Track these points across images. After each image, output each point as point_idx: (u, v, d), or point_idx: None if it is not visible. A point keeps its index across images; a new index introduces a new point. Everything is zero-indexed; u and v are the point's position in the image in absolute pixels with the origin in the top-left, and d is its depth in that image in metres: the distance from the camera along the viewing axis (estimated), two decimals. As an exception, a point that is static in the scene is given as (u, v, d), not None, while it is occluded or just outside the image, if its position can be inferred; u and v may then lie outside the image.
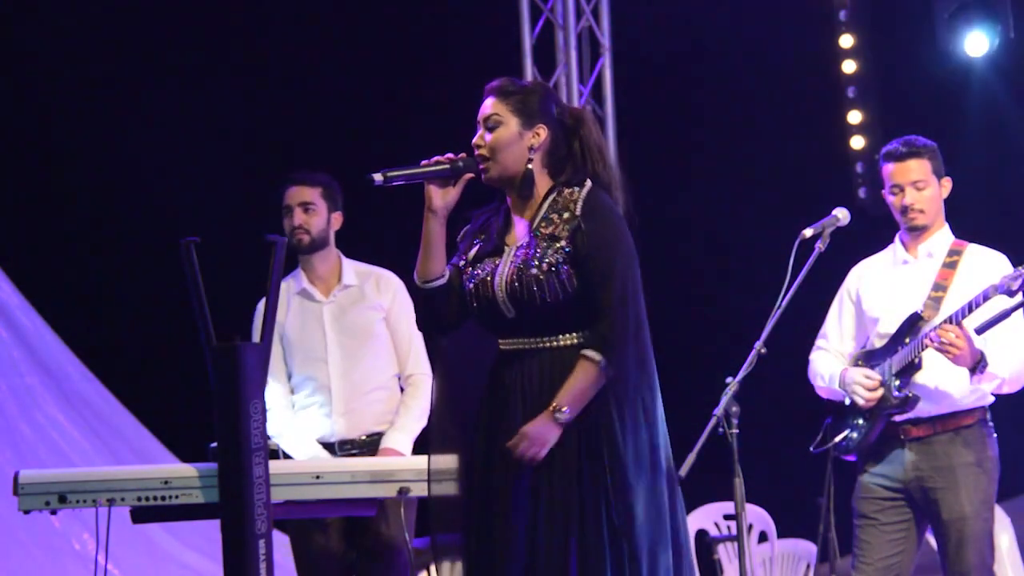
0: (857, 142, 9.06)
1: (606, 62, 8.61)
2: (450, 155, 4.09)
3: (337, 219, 5.64)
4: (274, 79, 8.85)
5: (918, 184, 5.17)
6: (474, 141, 4.11)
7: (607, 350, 3.97)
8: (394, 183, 4.00)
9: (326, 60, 8.86)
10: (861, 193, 8.96)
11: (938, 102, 8.62)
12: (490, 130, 4.10)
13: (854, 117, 9.09)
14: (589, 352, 3.99)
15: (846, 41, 9.07)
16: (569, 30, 8.50)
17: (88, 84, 8.63)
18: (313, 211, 5.56)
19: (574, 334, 4.04)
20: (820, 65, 9.07)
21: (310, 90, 8.88)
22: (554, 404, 3.96)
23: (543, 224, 4.08)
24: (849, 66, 9.09)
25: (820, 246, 4.98)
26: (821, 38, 9.06)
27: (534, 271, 4.02)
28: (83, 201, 8.59)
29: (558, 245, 4.03)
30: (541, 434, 3.97)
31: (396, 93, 8.96)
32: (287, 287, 5.63)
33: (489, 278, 4.08)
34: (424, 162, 4.07)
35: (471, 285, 4.11)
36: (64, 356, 8.19)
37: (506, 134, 4.08)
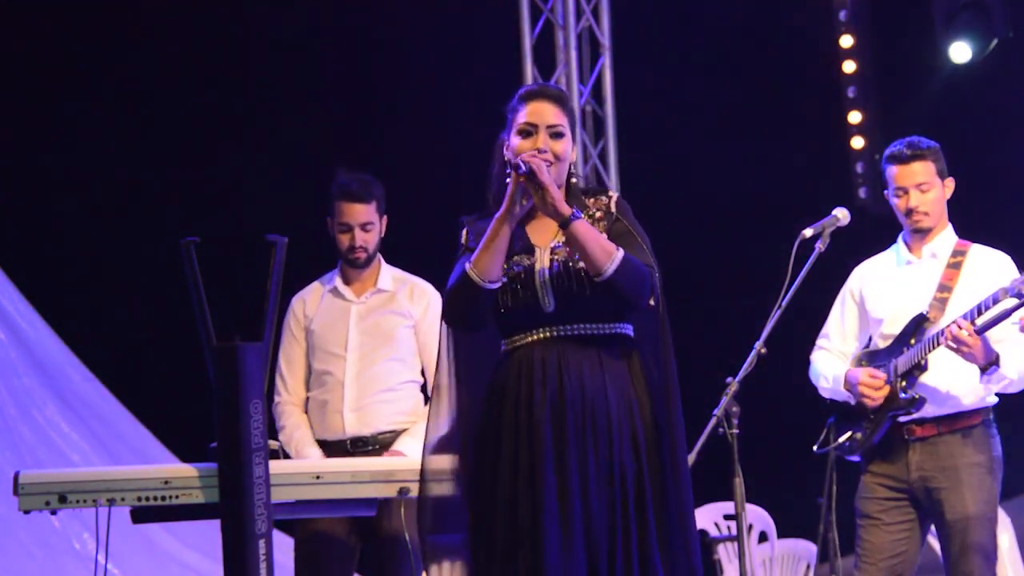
0: (857, 142, 9.06)
1: (606, 62, 8.61)
2: (536, 157, 4.13)
3: (384, 224, 5.67)
4: (273, 79, 8.86)
5: (922, 187, 5.17)
6: (539, 144, 4.16)
7: (628, 260, 4.07)
8: (525, 172, 4.07)
9: (326, 59, 8.87)
10: (861, 193, 8.96)
11: (938, 102, 8.63)
12: (555, 136, 4.19)
13: (854, 117, 9.09)
14: (621, 249, 4.09)
15: (846, 41, 9.07)
16: (569, 30, 8.50)
17: (88, 84, 8.63)
18: (371, 229, 5.60)
19: (614, 324, 4.15)
20: (820, 65, 9.08)
21: (309, 89, 8.89)
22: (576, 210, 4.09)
23: None
24: (849, 66, 9.10)
25: (820, 246, 4.98)
26: (821, 38, 9.06)
27: (582, 264, 4.10)
28: (83, 201, 8.59)
29: None
30: (549, 181, 4.06)
31: (397, 92, 8.97)
32: (322, 285, 5.69)
33: (527, 273, 4.15)
34: (523, 162, 4.08)
35: (504, 280, 4.15)
36: (64, 357, 8.19)
37: (566, 146, 4.22)
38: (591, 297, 4.10)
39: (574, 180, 4.27)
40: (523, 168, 4.05)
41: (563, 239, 4.15)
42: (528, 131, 4.18)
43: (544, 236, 4.22)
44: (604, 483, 4.03)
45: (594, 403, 4.06)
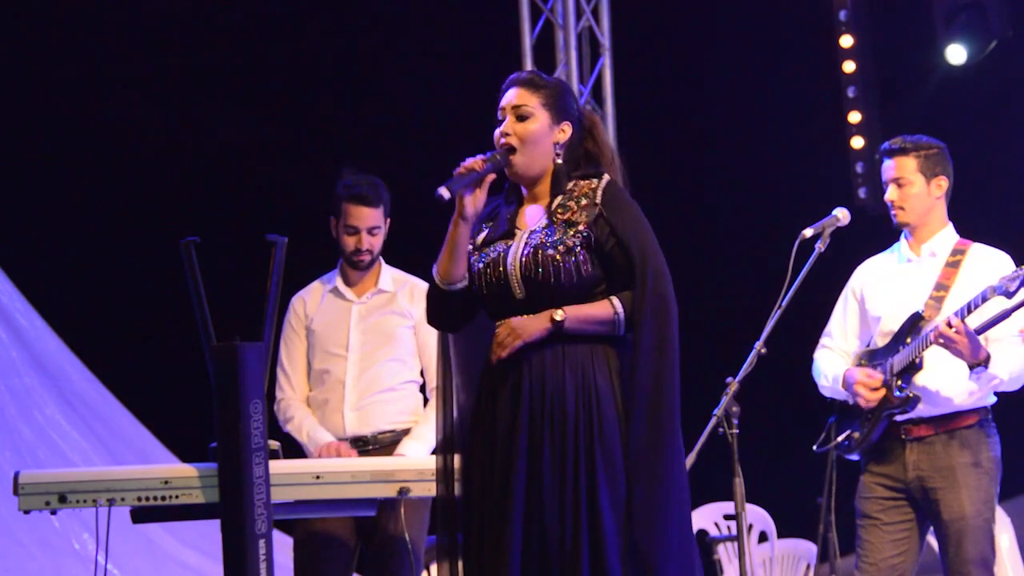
0: (857, 142, 9.06)
1: (606, 62, 8.61)
2: (479, 156, 4.08)
3: (387, 226, 5.67)
4: (273, 79, 8.86)
5: (899, 181, 5.19)
6: (502, 129, 4.11)
7: (629, 307, 4.01)
8: (454, 193, 4.00)
9: (325, 59, 8.87)
10: (861, 193, 8.96)
11: (938, 102, 8.63)
12: (520, 119, 4.12)
13: (854, 117, 9.09)
14: (614, 298, 4.03)
15: (846, 41, 9.07)
16: (569, 30, 8.50)
17: (88, 84, 8.64)
18: (377, 233, 5.61)
19: None
20: (820, 65, 9.08)
21: (309, 89, 8.89)
22: (555, 312, 4.01)
23: (560, 211, 4.12)
24: (849, 66, 9.09)
25: (820, 246, 4.99)
26: (821, 38, 9.06)
27: (551, 252, 4.05)
28: (83, 201, 8.59)
29: (576, 230, 4.07)
30: (525, 324, 4.01)
31: (397, 92, 8.97)
32: (323, 284, 5.69)
33: (500, 258, 4.10)
34: (461, 168, 4.04)
35: (480, 265, 4.12)
36: (64, 356, 8.19)
37: (536, 127, 4.12)
38: (559, 286, 4.04)
39: (559, 161, 4.16)
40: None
41: (544, 223, 4.11)
42: (500, 119, 4.15)
43: (533, 220, 4.17)
44: (558, 479, 3.96)
45: (552, 397, 4.01)
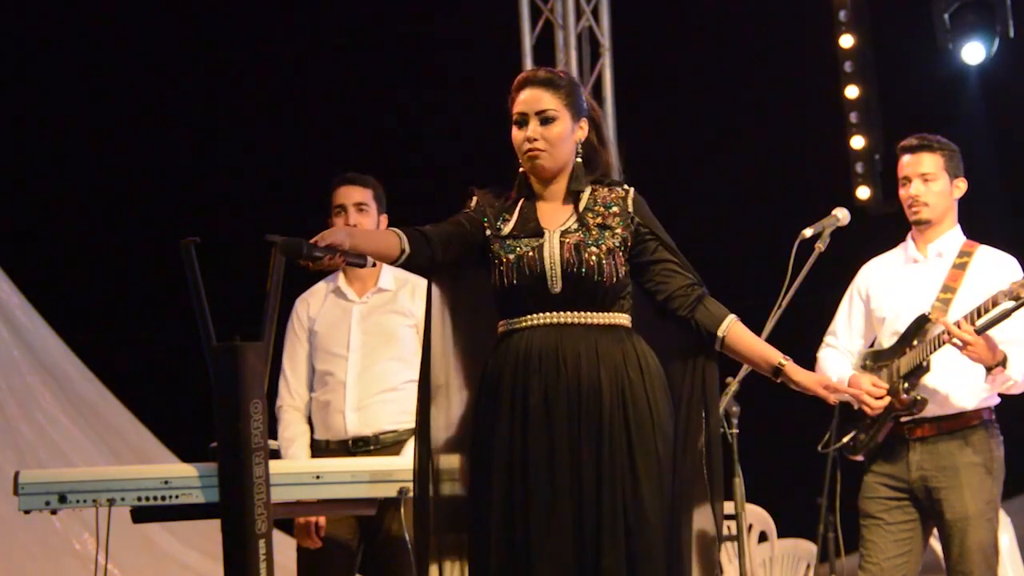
0: (857, 142, 9.06)
1: (606, 62, 8.60)
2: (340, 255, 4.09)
3: (383, 222, 5.65)
4: (273, 80, 8.86)
5: (926, 176, 5.18)
6: (528, 134, 4.15)
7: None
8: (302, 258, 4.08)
9: (326, 60, 8.87)
10: (861, 193, 8.96)
11: (938, 102, 8.63)
12: (545, 122, 4.16)
13: (854, 117, 9.09)
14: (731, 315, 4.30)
15: (846, 41, 9.07)
16: (569, 30, 8.50)
17: (89, 84, 8.64)
18: (366, 211, 5.58)
19: (621, 314, 4.19)
20: (820, 65, 9.08)
21: (310, 90, 8.89)
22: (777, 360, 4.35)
23: (589, 214, 4.20)
24: (849, 66, 9.10)
25: (820, 246, 4.98)
26: (821, 38, 9.06)
27: (594, 249, 4.14)
28: (83, 201, 8.59)
29: (614, 232, 4.18)
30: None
31: (397, 93, 8.97)
32: (325, 285, 5.68)
33: (536, 253, 4.15)
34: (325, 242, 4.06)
35: (511, 256, 4.16)
36: (64, 356, 8.19)
37: (561, 129, 4.18)
38: (600, 283, 4.12)
39: (579, 160, 4.23)
40: None
41: (574, 224, 4.18)
42: (520, 121, 4.18)
43: (554, 219, 4.22)
44: (595, 476, 4.02)
45: (589, 395, 4.06)
